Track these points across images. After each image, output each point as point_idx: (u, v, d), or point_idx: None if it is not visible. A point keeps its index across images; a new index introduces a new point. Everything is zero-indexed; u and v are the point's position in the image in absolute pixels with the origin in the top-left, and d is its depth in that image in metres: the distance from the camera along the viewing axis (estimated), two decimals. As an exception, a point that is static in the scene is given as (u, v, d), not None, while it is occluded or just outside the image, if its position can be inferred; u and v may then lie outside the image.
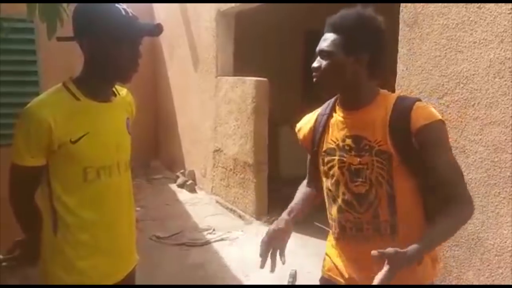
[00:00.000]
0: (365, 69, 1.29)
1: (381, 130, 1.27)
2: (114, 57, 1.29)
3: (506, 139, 2.03)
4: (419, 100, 1.30)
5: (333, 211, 1.40)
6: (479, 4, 2.09)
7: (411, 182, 1.29)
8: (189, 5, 5.47)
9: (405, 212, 1.30)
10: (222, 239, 3.95)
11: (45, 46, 3.08)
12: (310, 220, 4.13)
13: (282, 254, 1.45)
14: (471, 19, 2.14)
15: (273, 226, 1.45)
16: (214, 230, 4.16)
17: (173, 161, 6.24)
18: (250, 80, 4.30)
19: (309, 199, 1.57)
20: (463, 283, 2.28)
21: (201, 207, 4.91)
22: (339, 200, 1.36)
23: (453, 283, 2.32)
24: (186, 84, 5.73)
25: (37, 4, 1.88)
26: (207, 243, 3.88)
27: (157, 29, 1.34)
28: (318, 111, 1.49)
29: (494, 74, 2.06)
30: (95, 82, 1.35)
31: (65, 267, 1.35)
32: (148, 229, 4.08)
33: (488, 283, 2.16)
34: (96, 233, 1.37)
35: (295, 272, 1.59)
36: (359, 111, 1.32)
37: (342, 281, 1.43)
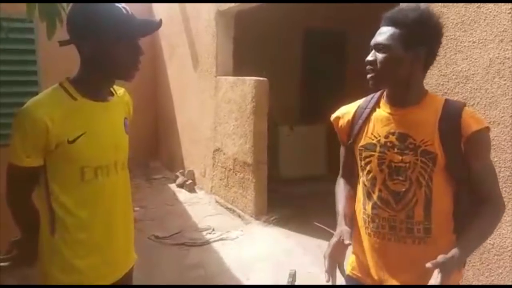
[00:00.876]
0: (421, 64, 1.29)
1: (429, 130, 1.26)
2: (116, 55, 1.29)
3: (505, 138, 2.03)
4: (465, 104, 1.32)
5: (367, 206, 1.38)
6: (478, 4, 2.09)
7: (449, 187, 1.30)
8: (188, 5, 5.47)
9: (439, 216, 1.30)
10: (221, 239, 3.95)
11: (44, 46, 3.08)
12: (310, 220, 4.15)
13: (341, 267, 1.38)
14: (470, 18, 2.14)
15: (335, 239, 1.34)
16: (213, 230, 4.15)
17: (173, 161, 6.24)
18: (250, 79, 4.30)
19: (352, 197, 1.51)
20: (463, 283, 2.27)
21: (201, 207, 4.90)
22: (375, 197, 1.34)
23: (453, 282, 2.32)
24: (186, 84, 5.73)
25: (37, 4, 1.87)
26: (207, 243, 3.88)
27: (156, 24, 1.33)
28: (358, 103, 1.46)
29: (493, 74, 2.06)
30: (93, 82, 1.35)
31: (63, 267, 1.35)
32: (148, 229, 4.07)
33: (488, 283, 2.15)
34: (94, 233, 1.37)
35: (295, 272, 1.59)
36: (407, 109, 1.30)
37: (368, 282, 1.40)
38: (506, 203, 2.03)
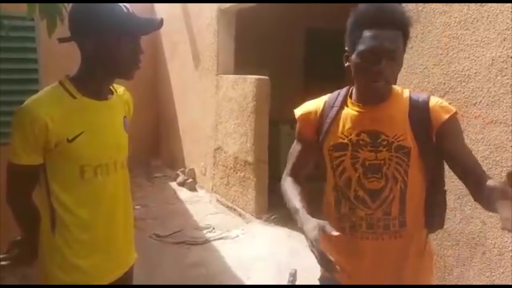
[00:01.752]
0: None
1: (401, 125, 1.26)
2: (116, 54, 1.29)
3: (507, 138, 2.02)
4: (430, 94, 1.32)
5: (342, 207, 1.35)
6: (481, 2, 2.08)
7: (422, 179, 1.30)
8: (189, 3, 5.45)
9: (413, 208, 1.30)
10: (222, 238, 3.95)
11: (45, 44, 3.07)
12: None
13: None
14: (473, 17, 2.12)
15: (316, 232, 1.19)
16: (214, 228, 4.15)
17: (174, 159, 6.24)
18: (251, 78, 4.29)
19: (304, 195, 1.45)
20: (464, 283, 2.27)
21: (201, 205, 4.90)
22: (351, 197, 1.32)
23: (454, 282, 2.31)
24: (187, 83, 5.72)
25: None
26: (207, 241, 3.88)
27: (158, 23, 1.33)
28: (324, 99, 1.40)
29: (496, 73, 2.05)
30: (93, 80, 1.35)
31: (63, 266, 1.35)
32: (148, 227, 4.08)
33: (489, 283, 2.15)
34: (94, 231, 1.37)
35: (295, 271, 1.59)
36: (377, 106, 1.28)
37: (344, 279, 1.39)
38: (508, 202, 2.03)
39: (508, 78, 2.00)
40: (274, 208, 4.41)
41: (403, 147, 1.25)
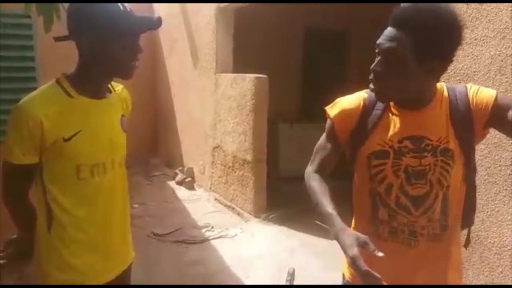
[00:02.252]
0: (435, 76, 1.17)
1: (444, 126, 1.19)
2: (114, 53, 1.27)
3: (506, 137, 2.02)
4: (466, 85, 1.24)
5: (380, 214, 1.27)
6: (480, 2, 2.07)
7: (461, 176, 1.23)
8: (188, 2, 5.44)
9: (454, 209, 1.25)
10: (220, 237, 3.94)
11: (43, 42, 3.06)
12: (310, 218, 4.14)
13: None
14: (472, 15, 2.12)
15: (353, 249, 1.07)
16: (212, 227, 4.14)
17: (172, 158, 6.23)
18: (250, 77, 4.28)
19: (332, 195, 1.31)
20: (463, 282, 2.27)
21: (200, 204, 4.89)
22: (391, 203, 1.25)
23: (452, 281, 2.31)
24: (185, 81, 5.71)
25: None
26: (206, 240, 3.87)
27: (156, 22, 1.32)
28: (361, 98, 1.29)
29: (495, 71, 2.04)
30: (91, 78, 1.34)
31: (59, 265, 1.34)
32: (147, 226, 4.06)
33: (488, 282, 2.14)
34: (90, 231, 1.36)
35: (293, 270, 1.58)
36: (421, 111, 1.21)
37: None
38: (507, 201, 2.02)
39: (507, 77, 1.99)
40: (272, 207, 4.40)
41: (448, 150, 1.19)
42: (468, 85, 1.23)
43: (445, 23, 1.08)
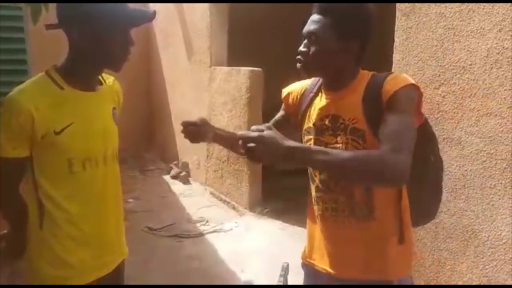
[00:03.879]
0: (353, 56, 1.28)
1: (356, 107, 1.26)
2: (106, 44, 1.25)
3: (502, 130, 2.01)
4: (392, 73, 1.28)
5: (312, 190, 1.40)
6: (478, 2, 2.05)
7: None
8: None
9: (382, 193, 1.28)
10: (215, 231, 3.93)
11: (34, 34, 3.01)
12: (304, 212, 4.14)
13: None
14: (468, 7, 2.10)
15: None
16: (207, 221, 4.14)
17: (167, 152, 6.20)
18: (245, 70, 4.25)
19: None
20: (457, 276, 2.27)
21: (195, 198, 4.88)
22: (317, 180, 1.36)
23: (447, 275, 2.31)
24: (180, 74, 5.67)
25: None
26: (201, 234, 3.86)
27: (151, 15, 1.30)
28: (307, 84, 1.47)
29: (491, 64, 2.03)
30: (81, 70, 1.31)
31: (51, 261, 1.32)
32: (141, 220, 4.05)
33: (482, 276, 2.15)
34: (83, 226, 1.34)
35: (287, 265, 1.58)
36: (339, 92, 1.32)
37: (320, 265, 1.42)
38: (502, 195, 2.02)
39: (503, 70, 1.98)
40: (268, 201, 4.40)
41: (357, 129, 1.25)
42: (391, 74, 1.27)
43: (359, 9, 1.24)
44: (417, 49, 2.36)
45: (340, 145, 1.28)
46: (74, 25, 1.24)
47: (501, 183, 2.03)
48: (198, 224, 4.08)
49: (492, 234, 2.09)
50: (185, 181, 5.42)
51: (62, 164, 1.28)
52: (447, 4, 2.18)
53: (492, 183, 2.06)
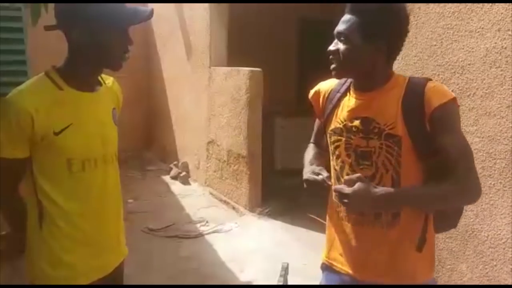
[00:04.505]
0: (383, 56, 1.26)
1: (392, 113, 1.24)
2: (104, 43, 1.25)
3: (501, 130, 2.01)
4: (430, 79, 1.27)
5: None
6: (478, 2, 2.06)
7: (417, 167, 1.26)
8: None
9: None
10: (215, 231, 3.93)
11: (33, 35, 3.01)
12: (304, 212, 4.14)
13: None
14: (467, 7, 2.10)
15: (307, 173, 1.39)
16: (207, 222, 4.13)
17: (167, 152, 6.20)
18: (244, 70, 4.25)
19: (320, 157, 1.53)
20: (457, 275, 2.27)
21: (195, 199, 4.88)
22: (343, 181, 1.31)
23: (447, 275, 2.31)
24: (180, 75, 5.67)
25: None
26: (200, 235, 3.86)
27: (148, 14, 1.30)
28: (334, 83, 1.45)
29: (490, 64, 2.03)
30: (81, 71, 1.31)
31: (51, 261, 1.32)
32: (141, 221, 4.04)
33: (482, 276, 2.15)
34: (82, 226, 1.34)
35: (287, 265, 1.58)
36: (372, 93, 1.29)
37: (344, 269, 1.39)
38: (501, 195, 2.02)
39: (502, 70, 1.98)
40: (267, 202, 4.40)
41: (393, 135, 1.23)
42: (430, 81, 1.26)
43: (388, 9, 1.22)
44: (416, 49, 2.37)
45: (372, 149, 1.26)
46: (72, 25, 1.24)
47: (500, 183, 2.03)
48: (198, 225, 4.08)
49: (492, 234, 2.09)
50: (185, 181, 5.42)
51: (62, 164, 1.28)
52: (446, 4, 2.19)
53: (492, 183, 2.07)
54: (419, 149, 1.23)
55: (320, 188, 1.32)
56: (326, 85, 1.47)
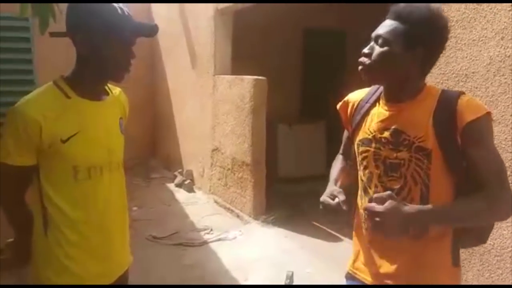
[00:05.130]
0: (418, 65, 1.24)
1: (423, 126, 1.22)
2: (105, 55, 1.27)
3: (506, 138, 2.01)
4: (463, 93, 1.25)
5: (364, 201, 1.35)
6: (479, 2, 2.07)
7: (447, 181, 1.24)
8: (187, 3, 5.44)
9: None
10: (219, 239, 3.93)
11: (40, 44, 3.06)
12: (309, 220, 4.13)
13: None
14: (470, 16, 2.11)
15: (327, 198, 1.35)
16: (211, 230, 4.13)
17: (171, 160, 6.22)
18: (248, 79, 4.28)
19: (347, 173, 1.53)
20: (463, 284, 2.25)
21: (199, 206, 4.88)
22: (371, 192, 1.32)
23: (452, 283, 2.30)
24: (184, 83, 5.71)
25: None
26: (205, 243, 3.86)
27: (152, 30, 1.31)
28: (363, 93, 1.43)
29: (494, 72, 2.03)
30: (87, 80, 1.33)
31: (56, 269, 1.33)
32: (145, 228, 4.05)
33: (488, 284, 2.13)
34: (87, 234, 1.35)
35: (292, 273, 1.58)
36: (402, 104, 1.27)
37: (367, 280, 1.37)
38: (506, 203, 2.01)
39: (506, 78, 1.99)
40: (272, 209, 4.39)
41: (423, 148, 1.21)
42: (462, 95, 1.23)
43: (433, 18, 1.22)
44: (420, 57, 2.38)
45: (402, 161, 1.24)
46: (78, 34, 1.26)
47: (505, 191, 2.02)
48: (202, 233, 4.08)
49: (498, 243, 2.08)
50: (189, 189, 5.43)
51: (68, 171, 1.29)
52: (449, 13, 2.20)
53: None
54: (449, 163, 1.21)
55: (334, 213, 1.30)
56: (355, 96, 1.45)
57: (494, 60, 2.03)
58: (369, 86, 1.43)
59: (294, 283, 1.53)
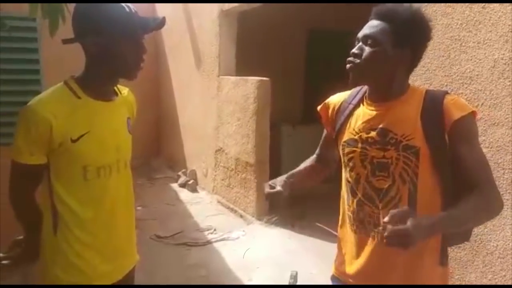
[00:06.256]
0: (406, 64, 1.27)
1: (411, 124, 1.23)
2: (119, 54, 1.29)
3: (509, 140, 2.02)
4: (448, 92, 1.27)
5: (352, 203, 1.35)
6: (483, 4, 2.08)
7: (433, 179, 1.25)
8: (191, 4, 5.47)
9: (425, 212, 1.25)
10: (223, 239, 3.94)
11: (47, 45, 3.07)
12: (312, 220, 4.13)
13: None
14: (475, 19, 2.12)
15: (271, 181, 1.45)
16: (215, 230, 4.15)
17: (175, 160, 6.24)
18: (252, 79, 4.29)
19: (313, 171, 1.58)
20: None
21: (202, 206, 4.90)
22: (359, 194, 1.32)
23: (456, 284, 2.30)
24: (188, 84, 5.73)
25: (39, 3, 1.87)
26: (208, 243, 3.87)
27: (160, 22, 1.33)
28: (345, 95, 1.44)
29: (498, 75, 2.04)
30: (97, 80, 1.35)
31: (64, 266, 1.35)
32: (149, 228, 4.07)
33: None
34: (96, 232, 1.37)
35: (296, 273, 1.59)
36: (388, 104, 1.28)
37: (349, 281, 1.38)
38: (509, 205, 2.02)
39: (510, 80, 2.00)
40: (275, 210, 4.40)
41: (411, 147, 1.22)
42: (448, 94, 1.25)
43: (418, 19, 1.25)
44: (424, 60, 2.39)
45: (389, 160, 1.25)
46: (87, 37, 1.28)
47: (509, 193, 2.03)
48: (205, 232, 4.10)
49: (501, 244, 2.08)
50: (193, 189, 5.45)
51: (77, 171, 1.31)
52: (454, 16, 2.21)
53: (500, 193, 2.06)
54: (437, 160, 1.22)
55: (276, 201, 1.39)
56: (336, 98, 1.47)
57: (498, 62, 2.04)
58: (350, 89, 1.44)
59: (299, 284, 1.54)
